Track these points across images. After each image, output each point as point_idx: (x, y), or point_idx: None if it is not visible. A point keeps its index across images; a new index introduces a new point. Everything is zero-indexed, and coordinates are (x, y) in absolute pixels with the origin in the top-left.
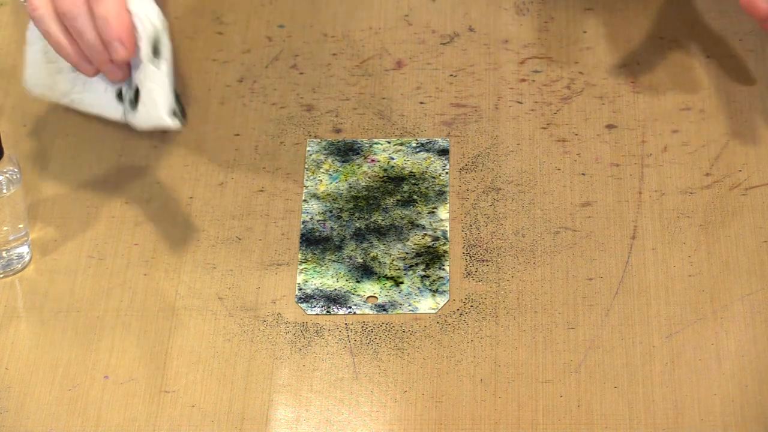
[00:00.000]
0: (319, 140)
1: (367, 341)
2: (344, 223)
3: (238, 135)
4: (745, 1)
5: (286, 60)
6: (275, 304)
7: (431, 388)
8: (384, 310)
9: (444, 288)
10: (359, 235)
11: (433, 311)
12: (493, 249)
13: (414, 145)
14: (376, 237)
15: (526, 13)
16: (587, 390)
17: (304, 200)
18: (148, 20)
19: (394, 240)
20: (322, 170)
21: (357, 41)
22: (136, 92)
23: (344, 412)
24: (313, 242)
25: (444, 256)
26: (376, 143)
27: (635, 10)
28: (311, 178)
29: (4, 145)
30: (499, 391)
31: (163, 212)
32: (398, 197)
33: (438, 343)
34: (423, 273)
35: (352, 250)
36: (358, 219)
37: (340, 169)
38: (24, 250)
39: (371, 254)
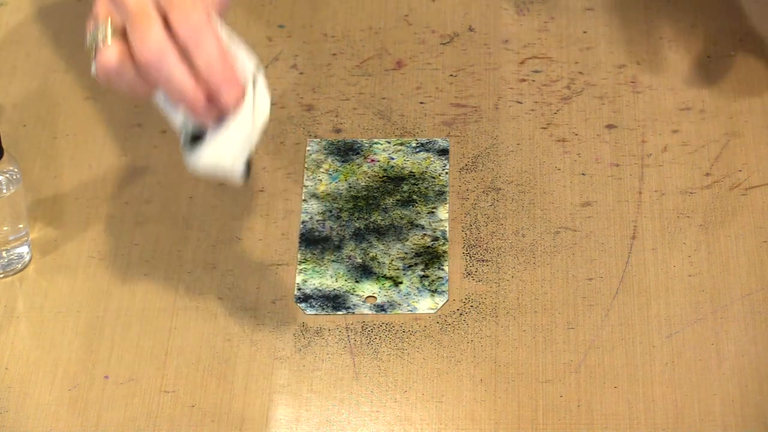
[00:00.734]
0: (319, 140)
1: (367, 341)
2: (344, 223)
3: None
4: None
5: (286, 60)
6: (275, 304)
7: (431, 388)
8: (383, 310)
9: (443, 288)
10: (358, 235)
11: (432, 311)
12: (493, 249)
13: (414, 145)
14: (376, 237)
15: (526, 13)
16: (587, 390)
17: (304, 200)
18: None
19: (393, 240)
20: (321, 170)
21: (357, 41)
22: (204, 130)
23: (344, 412)
24: (313, 242)
25: (443, 256)
26: (376, 143)
27: (635, 10)
28: (311, 177)
29: (4, 145)
30: (499, 391)
31: (163, 212)
32: (398, 197)
33: (438, 343)
34: (422, 273)
35: (351, 250)
36: (358, 219)
37: (339, 168)
38: (24, 250)
39: (370, 254)
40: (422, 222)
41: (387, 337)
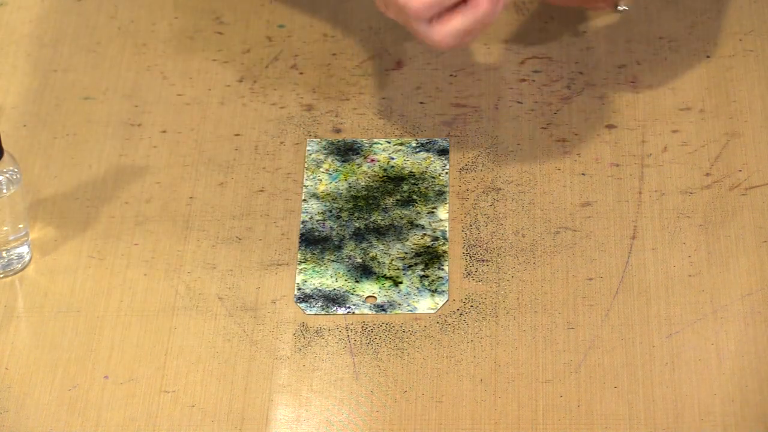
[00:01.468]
0: (319, 140)
1: (367, 341)
2: (344, 222)
3: (238, 135)
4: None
5: (286, 60)
6: (275, 304)
7: (431, 388)
8: (383, 310)
9: (443, 288)
10: (358, 235)
11: (432, 311)
12: (493, 249)
13: (414, 145)
14: (376, 237)
15: (526, 13)
16: (587, 390)
17: (304, 200)
18: None
19: (393, 240)
20: (321, 170)
21: (357, 41)
22: None
23: (344, 412)
24: (313, 242)
25: (443, 256)
26: (376, 143)
27: (635, 10)
28: (311, 177)
29: (4, 145)
30: (499, 391)
31: (163, 212)
32: (398, 197)
33: (438, 343)
34: (422, 273)
35: (351, 250)
36: (358, 219)
37: (339, 168)
38: (24, 250)
39: (370, 254)
40: (422, 222)
41: (387, 337)
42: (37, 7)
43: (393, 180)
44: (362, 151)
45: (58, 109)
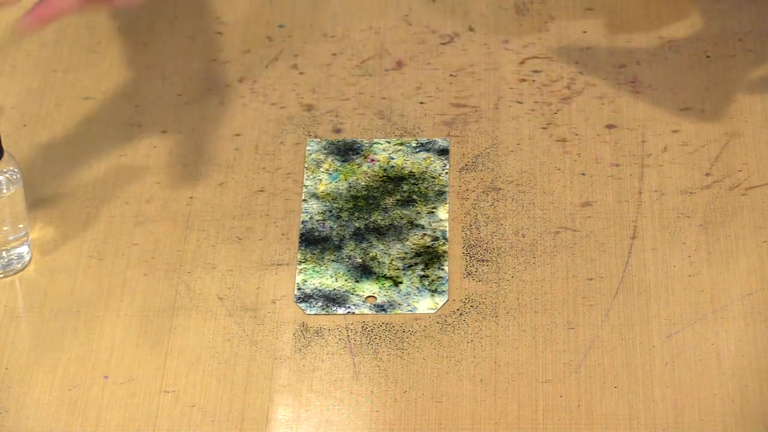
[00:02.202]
0: (319, 140)
1: (367, 341)
2: (344, 222)
3: (238, 135)
4: None
5: (286, 60)
6: (275, 304)
7: (431, 388)
8: (383, 310)
9: (443, 288)
10: (358, 235)
11: (432, 311)
12: (493, 249)
13: (414, 145)
14: (376, 237)
15: (526, 13)
16: (587, 390)
17: (304, 200)
18: None
19: (393, 240)
20: (321, 170)
21: (357, 41)
22: None
23: (344, 412)
24: (313, 242)
25: (443, 256)
26: (376, 143)
27: (635, 10)
28: (311, 177)
29: (4, 145)
30: (499, 391)
31: (163, 212)
32: (398, 197)
33: (438, 343)
34: (422, 273)
35: (351, 250)
36: (358, 219)
37: (339, 168)
38: (24, 250)
39: (370, 254)
40: (422, 222)
41: (387, 337)
42: None
43: (393, 180)
44: (362, 151)
45: (58, 109)
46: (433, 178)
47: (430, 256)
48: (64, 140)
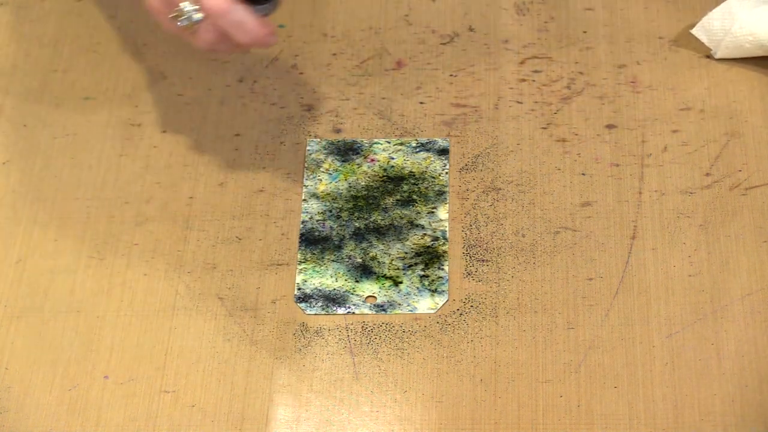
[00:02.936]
0: (319, 140)
1: (367, 341)
2: (344, 222)
3: (238, 135)
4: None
5: (286, 60)
6: (275, 304)
7: (431, 388)
8: (383, 309)
9: (443, 288)
10: (358, 235)
11: (432, 311)
12: (493, 249)
13: (414, 145)
14: (376, 237)
15: (526, 13)
16: (587, 390)
17: (304, 200)
18: None
19: (393, 240)
20: (321, 170)
21: (357, 41)
22: None
23: (344, 412)
24: (313, 242)
25: (443, 256)
26: (376, 143)
27: (635, 10)
28: (311, 177)
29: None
30: (499, 391)
31: (163, 212)
32: (398, 197)
33: (438, 343)
34: (422, 273)
35: (351, 250)
36: (358, 219)
37: (339, 168)
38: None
39: (370, 254)
40: (422, 222)
41: (387, 337)
42: (37, 7)
43: (393, 180)
44: (362, 151)
45: (58, 109)
46: (433, 178)
47: (430, 256)
48: (64, 140)
